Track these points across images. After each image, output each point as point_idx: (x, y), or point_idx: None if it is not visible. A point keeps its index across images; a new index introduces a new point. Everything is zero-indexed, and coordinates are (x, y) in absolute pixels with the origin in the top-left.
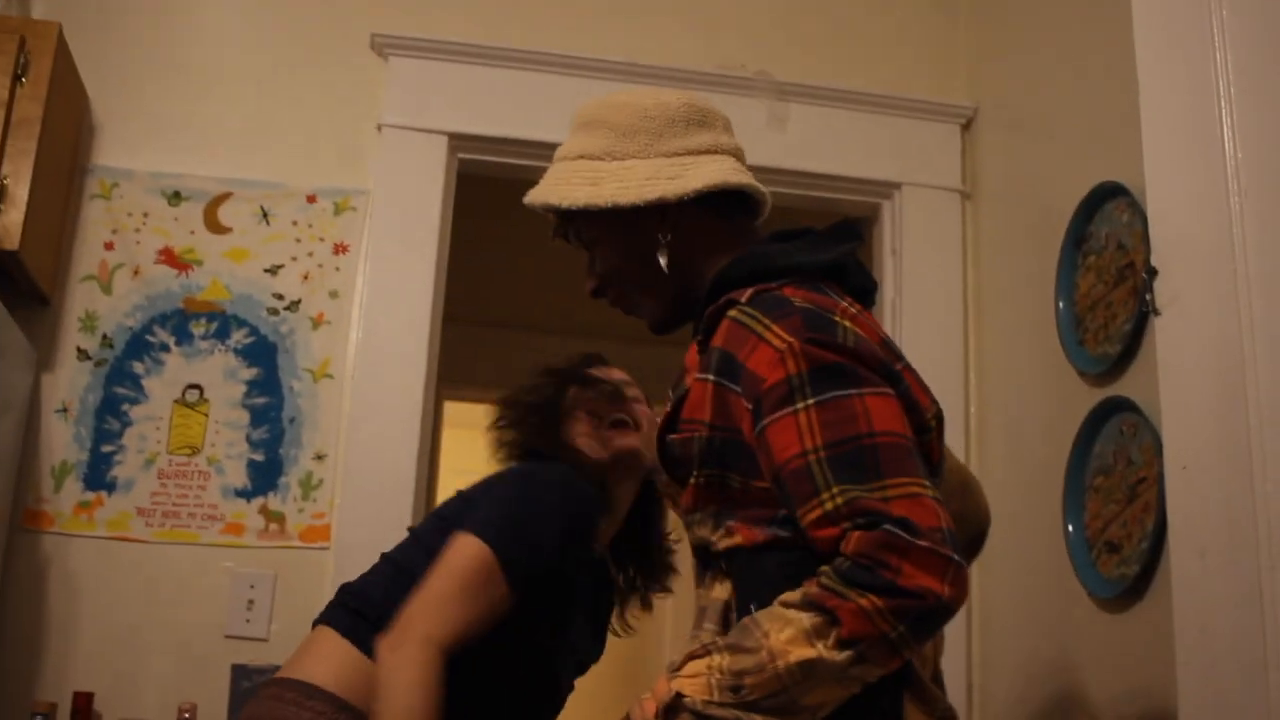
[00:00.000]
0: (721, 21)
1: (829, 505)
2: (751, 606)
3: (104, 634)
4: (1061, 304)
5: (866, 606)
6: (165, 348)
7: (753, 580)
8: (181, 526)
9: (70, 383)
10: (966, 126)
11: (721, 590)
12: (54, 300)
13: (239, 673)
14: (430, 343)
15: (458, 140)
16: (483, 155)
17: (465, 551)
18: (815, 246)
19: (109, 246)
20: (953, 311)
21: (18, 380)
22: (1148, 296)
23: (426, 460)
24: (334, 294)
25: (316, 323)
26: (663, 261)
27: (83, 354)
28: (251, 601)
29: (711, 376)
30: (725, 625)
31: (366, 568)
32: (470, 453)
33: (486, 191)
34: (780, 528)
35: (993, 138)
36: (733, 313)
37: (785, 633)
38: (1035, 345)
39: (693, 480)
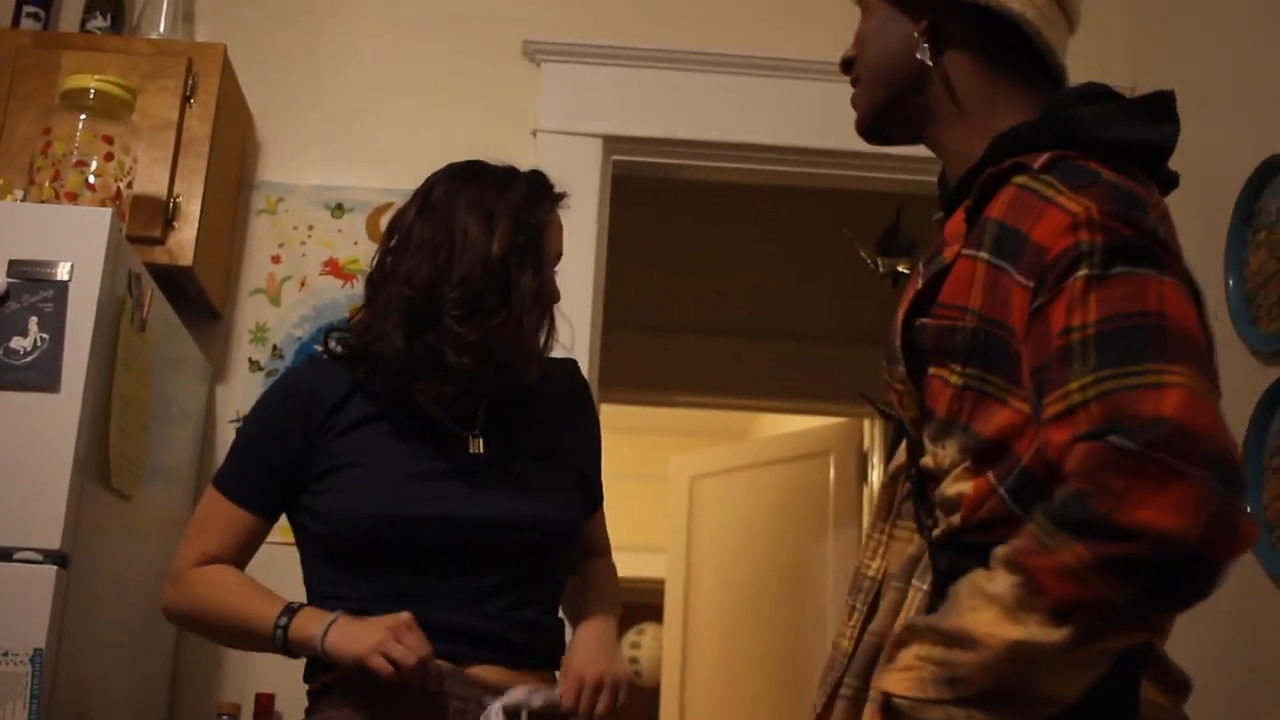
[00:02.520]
0: None
1: (1075, 397)
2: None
3: None
4: (1231, 281)
5: (1070, 562)
6: None
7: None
8: None
9: (244, 393)
10: None
11: (913, 540)
12: (225, 314)
13: None
14: (592, 346)
15: (612, 142)
16: (637, 156)
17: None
18: (1133, 118)
19: (276, 260)
20: None
21: (194, 392)
22: None
23: None
24: None
25: None
26: (924, 59)
27: (254, 365)
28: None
29: (985, 255)
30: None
31: None
32: (628, 457)
33: (642, 195)
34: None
35: None
36: (1020, 179)
37: (987, 611)
38: None
39: (954, 380)
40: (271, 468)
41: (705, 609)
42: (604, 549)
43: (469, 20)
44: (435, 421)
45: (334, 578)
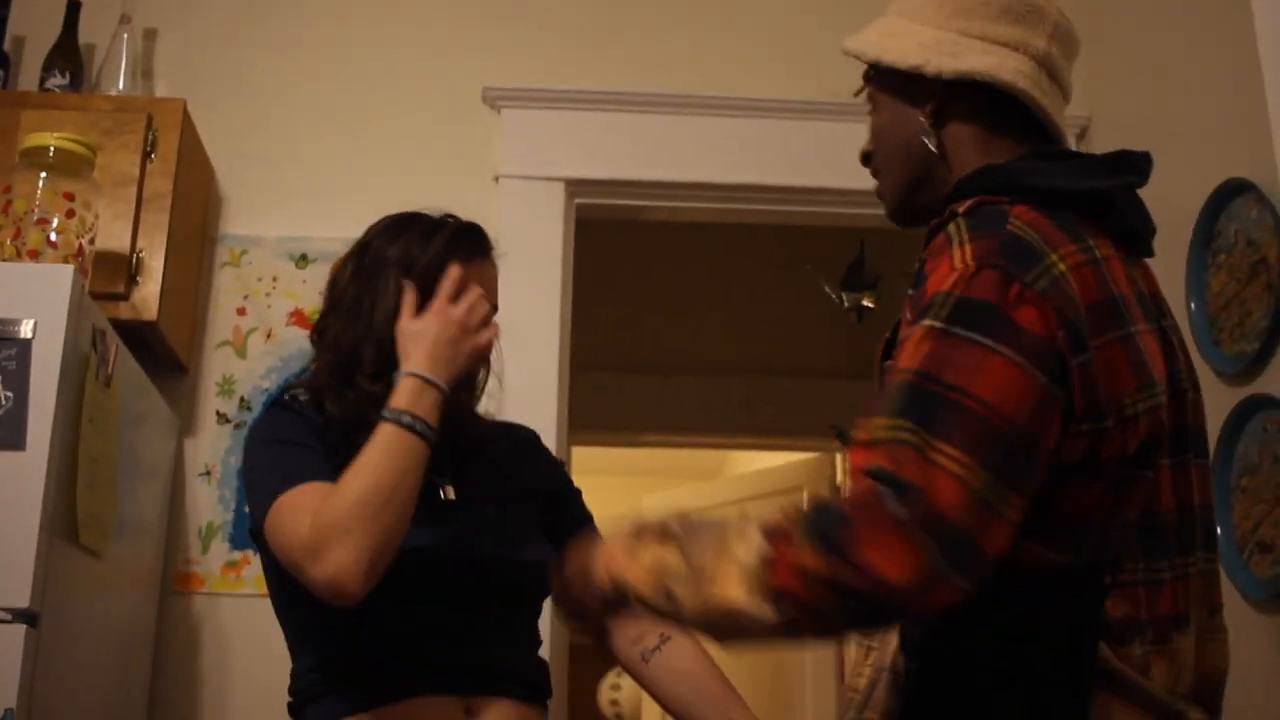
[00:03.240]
0: (829, 52)
1: (879, 433)
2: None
3: (256, 689)
4: (1193, 305)
5: (806, 564)
6: None
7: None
8: None
9: (211, 446)
10: (1081, 136)
11: None
12: (191, 367)
13: None
14: (560, 388)
15: (574, 185)
16: (599, 199)
17: None
18: (1080, 171)
19: (241, 312)
20: None
21: (162, 446)
22: None
23: None
24: None
25: None
26: (929, 143)
27: (222, 418)
28: None
29: (910, 291)
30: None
31: None
32: (601, 499)
33: (607, 236)
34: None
35: (1108, 146)
36: (950, 225)
37: (729, 566)
38: None
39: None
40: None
41: None
42: None
43: (429, 69)
44: None
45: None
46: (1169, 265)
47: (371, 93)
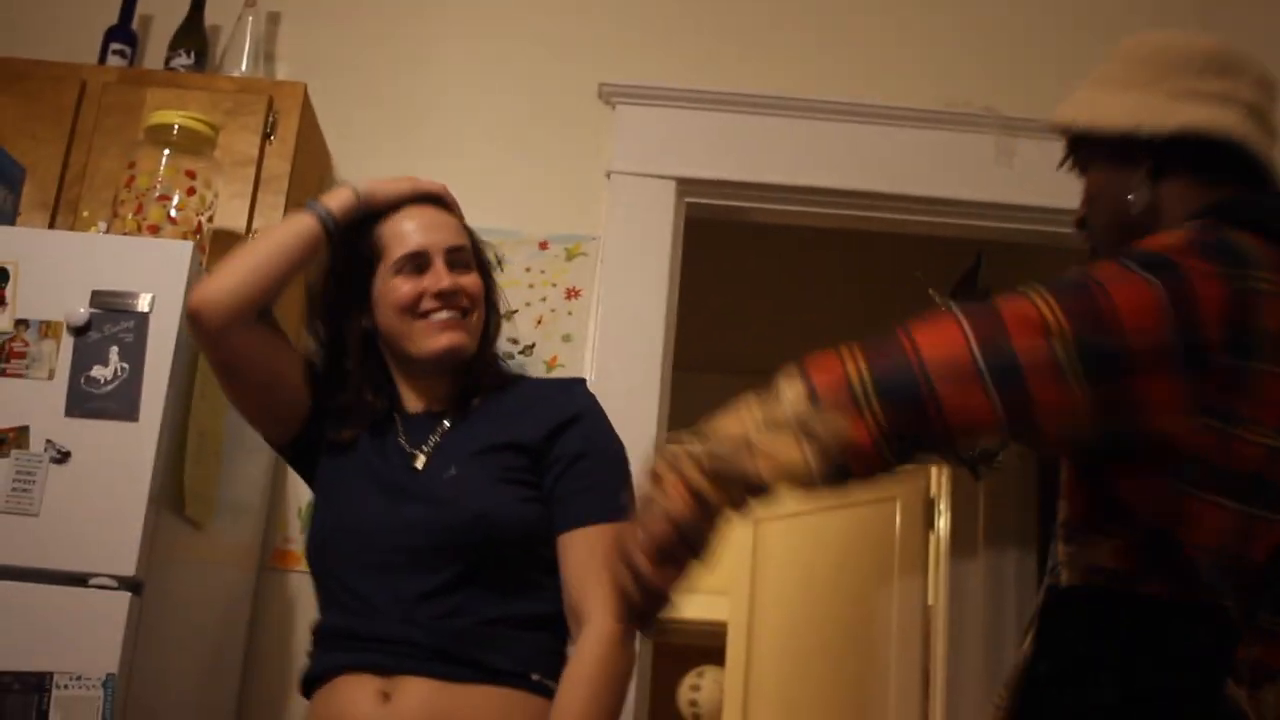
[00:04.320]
0: (948, 58)
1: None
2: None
3: None
4: None
5: (841, 365)
6: None
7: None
8: None
9: None
10: None
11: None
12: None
13: None
14: (662, 385)
15: (685, 185)
16: (710, 199)
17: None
18: None
19: None
20: None
21: None
22: None
23: None
24: (567, 338)
25: (550, 366)
26: (1132, 200)
27: None
28: None
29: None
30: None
31: None
32: None
33: (716, 236)
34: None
35: None
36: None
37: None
38: None
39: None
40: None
41: (767, 653)
42: (595, 604)
43: (546, 63)
44: (393, 440)
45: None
46: None
47: (488, 83)
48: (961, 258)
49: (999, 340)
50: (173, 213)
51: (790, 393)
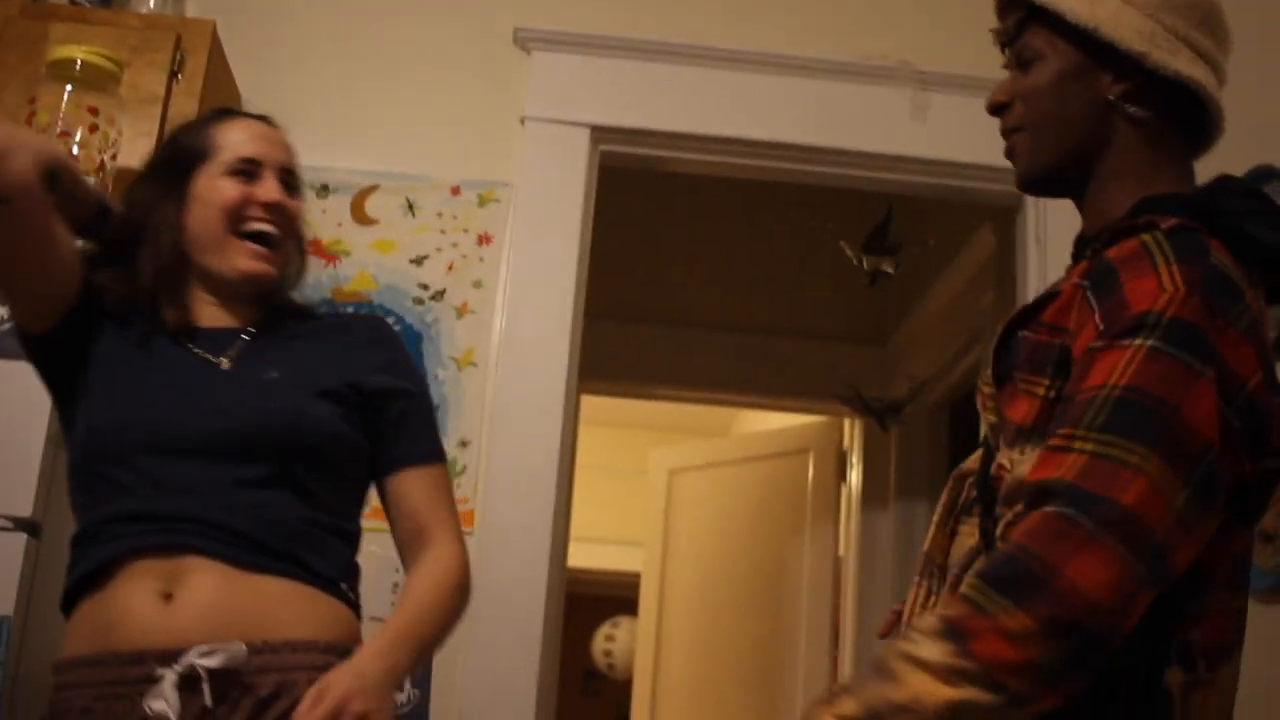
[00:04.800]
0: (865, 11)
1: (1076, 444)
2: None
3: None
4: None
5: (1007, 625)
6: None
7: None
8: None
9: None
10: None
11: (974, 534)
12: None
13: None
14: (573, 331)
15: (599, 132)
16: (624, 147)
17: None
18: (1272, 222)
19: None
20: None
21: None
22: None
23: (571, 448)
24: (478, 284)
25: (460, 312)
26: (1111, 120)
27: None
28: (396, 584)
29: (1086, 284)
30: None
31: (509, 552)
32: (607, 450)
33: (629, 185)
34: None
35: None
36: (1146, 236)
37: (915, 673)
38: None
39: (1043, 392)
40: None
41: (681, 604)
42: (444, 530)
43: (461, 5)
44: (184, 349)
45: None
46: None
47: (402, 26)
48: (873, 210)
49: (1149, 543)
50: (75, 150)
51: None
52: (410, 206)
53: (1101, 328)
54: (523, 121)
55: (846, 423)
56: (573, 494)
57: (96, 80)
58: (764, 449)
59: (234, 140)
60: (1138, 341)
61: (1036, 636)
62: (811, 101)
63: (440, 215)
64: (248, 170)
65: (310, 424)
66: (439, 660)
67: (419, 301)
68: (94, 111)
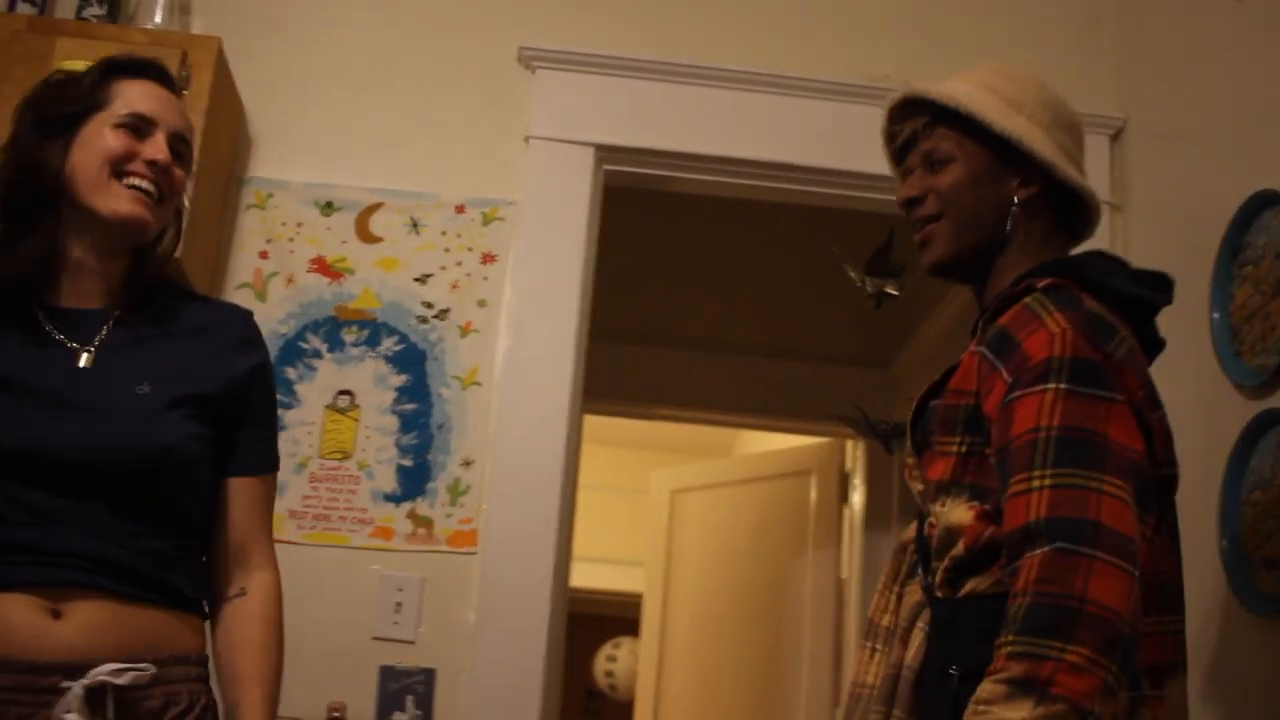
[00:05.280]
0: (867, 34)
1: (1035, 482)
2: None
3: None
4: (1217, 315)
5: (1073, 661)
6: (318, 354)
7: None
8: (332, 529)
9: None
10: (1115, 138)
11: (919, 591)
12: None
13: (386, 674)
14: (577, 351)
15: (604, 152)
16: (629, 167)
17: None
18: (1136, 280)
19: (263, 255)
20: None
21: None
22: None
23: (574, 468)
24: (482, 303)
25: (465, 331)
26: (1012, 221)
27: None
28: (399, 604)
29: (984, 349)
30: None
31: (512, 572)
32: (609, 470)
33: (634, 205)
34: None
35: (1142, 148)
36: (1027, 298)
37: None
38: (1189, 357)
39: (957, 449)
40: None
41: (682, 624)
42: (265, 553)
43: (466, 24)
44: (48, 334)
45: None
46: (1195, 274)
47: (407, 44)
48: (878, 232)
49: (1133, 550)
50: None
51: None
52: (414, 225)
53: (1010, 380)
54: (527, 140)
55: (849, 444)
56: (575, 513)
57: None
58: (766, 470)
59: (132, 94)
60: (1050, 386)
61: (1096, 660)
62: (816, 123)
63: (444, 234)
64: (138, 127)
65: (181, 454)
66: (441, 681)
67: (423, 320)
68: None
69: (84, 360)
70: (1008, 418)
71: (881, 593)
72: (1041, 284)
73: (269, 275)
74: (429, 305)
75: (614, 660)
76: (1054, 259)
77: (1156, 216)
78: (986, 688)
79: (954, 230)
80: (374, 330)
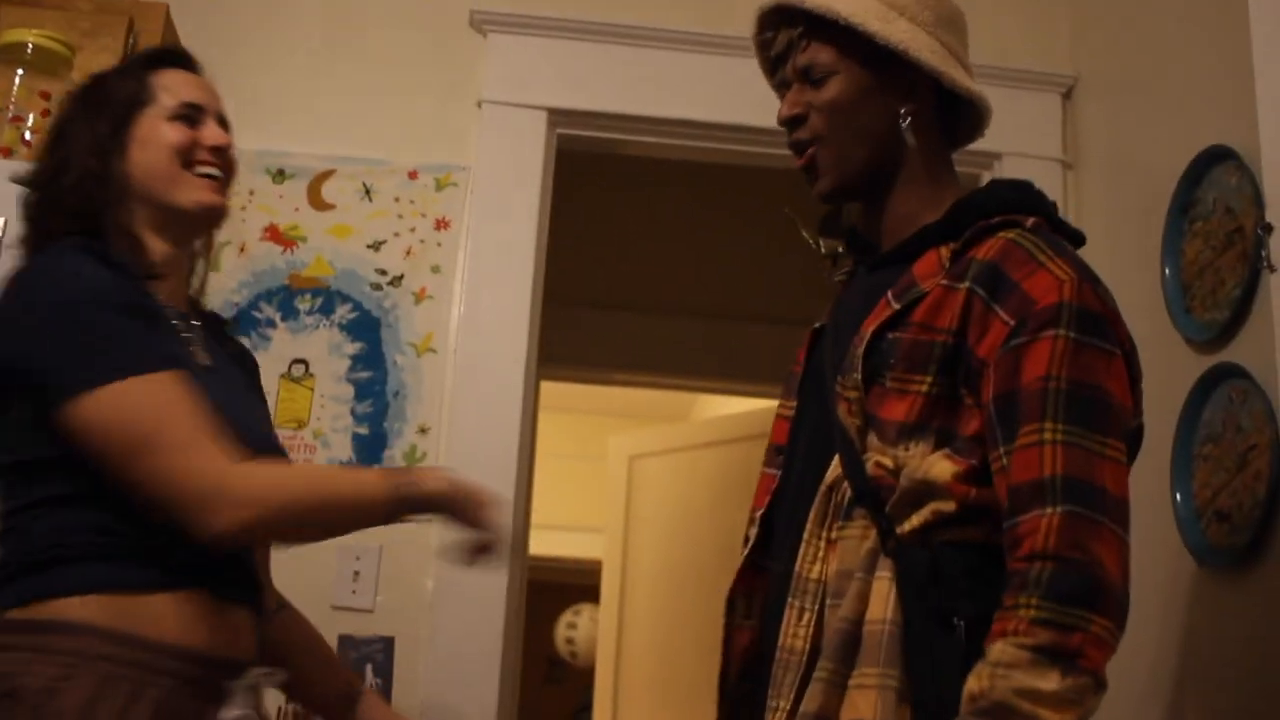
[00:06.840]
0: None
1: (1048, 435)
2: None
3: None
4: (1168, 270)
5: (1099, 634)
6: (271, 323)
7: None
8: None
9: None
10: (1067, 95)
11: (868, 537)
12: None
13: (345, 643)
14: (531, 317)
15: (557, 115)
16: (582, 130)
17: None
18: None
19: None
20: None
21: None
22: (1263, 254)
23: (531, 434)
24: (436, 269)
25: (419, 298)
26: (908, 137)
27: None
28: (357, 573)
29: (974, 286)
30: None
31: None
32: (566, 436)
33: (588, 169)
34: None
35: (1094, 106)
36: (1012, 234)
37: (1043, 709)
38: (1140, 313)
39: (923, 389)
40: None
41: (642, 590)
42: (266, 567)
43: None
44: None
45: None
46: (1146, 230)
47: (357, 9)
48: None
49: (1128, 515)
50: (27, 135)
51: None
52: (367, 191)
53: (1013, 324)
54: (479, 105)
55: None
56: (533, 481)
57: (48, 64)
58: (724, 434)
59: (175, 85)
60: (1060, 333)
61: (1115, 632)
62: (766, 84)
63: (398, 200)
64: (190, 115)
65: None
66: (401, 649)
67: (376, 287)
68: (46, 96)
69: (204, 359)
70: (1014, 363)
71: (808, 542)
72: (1028, 223)
73: (221, 245)
74: (383, 272)
75: (574, 628)
76: (1017, 191)
77: (1108, 173)
78: (1007, 651)
79: (841, 153)
80: (328, 298)
